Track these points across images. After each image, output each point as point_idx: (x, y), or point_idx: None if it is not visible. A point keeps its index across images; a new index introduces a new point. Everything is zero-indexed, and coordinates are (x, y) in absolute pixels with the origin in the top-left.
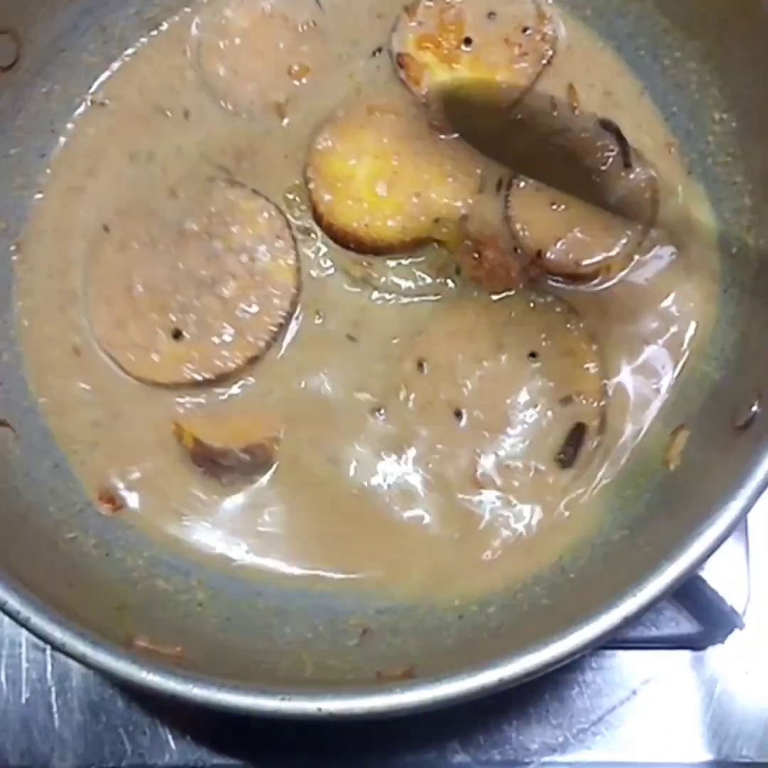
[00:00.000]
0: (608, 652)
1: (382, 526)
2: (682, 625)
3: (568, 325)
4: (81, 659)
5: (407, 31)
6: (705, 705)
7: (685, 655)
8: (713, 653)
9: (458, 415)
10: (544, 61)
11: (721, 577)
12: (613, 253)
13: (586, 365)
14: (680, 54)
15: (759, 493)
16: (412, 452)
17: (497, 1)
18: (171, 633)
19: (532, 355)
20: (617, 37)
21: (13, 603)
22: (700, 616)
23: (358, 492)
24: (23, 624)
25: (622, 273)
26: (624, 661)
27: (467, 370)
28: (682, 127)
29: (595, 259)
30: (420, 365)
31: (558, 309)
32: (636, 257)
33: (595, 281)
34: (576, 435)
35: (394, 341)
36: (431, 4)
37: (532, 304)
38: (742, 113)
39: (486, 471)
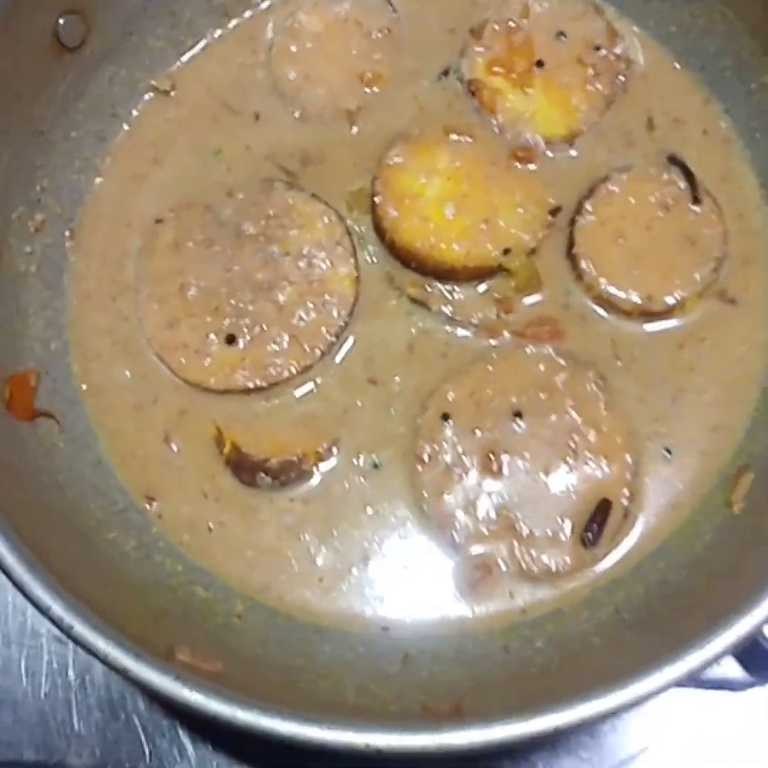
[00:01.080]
0: None
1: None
2: (724, 667)
3: (602, 401)
4: (123, 673)
5: (476, 56)
6: (741, 747)
7: (723, 695)
8: (752, 696)
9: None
10: (620, 80)
11: None
12: (687, 290)
13: (617, 438)
14: None
15: None
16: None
17: (565, 19)
18: (211, 646)
19: (560, 418)
20: (701, 57)
21: (57, 609)
22: (745, 660)
23: (386, 524)
24: (66, 632)
25: (696, 310)
26: (660, 698)
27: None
28: (763, 154)
29: (670, 295)
30: (445, 417)
31: (590, 374)
32: (707, 294)
33: (664, 319)
34: (601, 512)
35: (429, 382)
36: (498, 26)
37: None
38: None
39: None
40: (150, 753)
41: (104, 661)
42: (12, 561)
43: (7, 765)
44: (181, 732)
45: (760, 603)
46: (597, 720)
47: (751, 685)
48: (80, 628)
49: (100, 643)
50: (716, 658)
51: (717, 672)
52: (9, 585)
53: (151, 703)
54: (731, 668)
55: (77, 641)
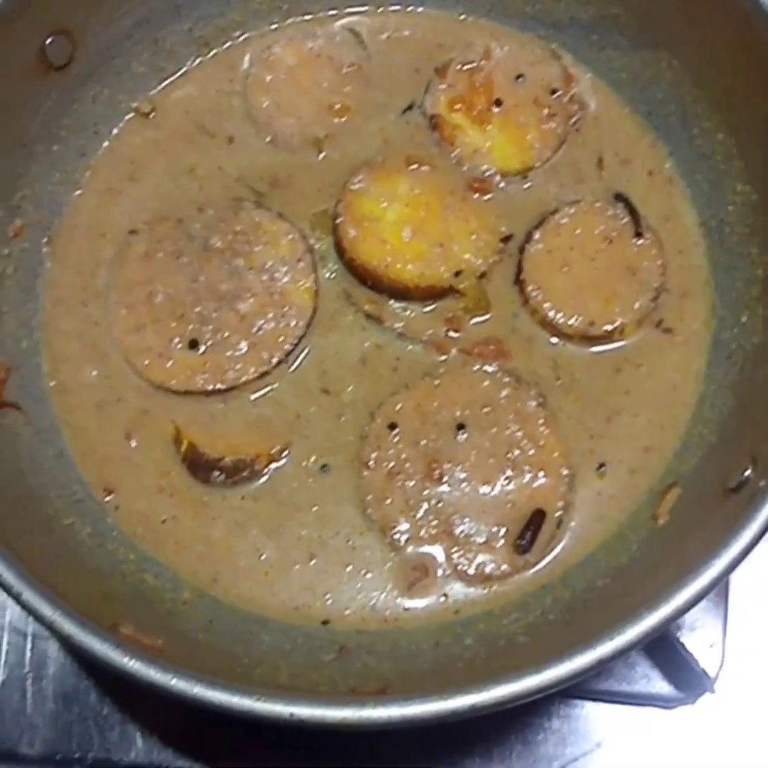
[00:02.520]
0: (577, 702)
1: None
2: (653, 682)
3: (541, 417)
4: (67, 639)
5: (439, 93)
6: (667, 764)
7: (654, 712)
8: (681, 714)
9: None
10: (573, 121)
11: (698, 640)
12: (627, 318)
13: (554, 453)
14: (709, 124)
15: (743, 555)
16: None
17: (524, 63)
18: (154, 626)
19: (501, 432)
20: (648, 103)
21: (8, 577)
22: (672, 675)
23: (331, 525)
24: (16, 598)
25: (634, 337)
26: (592, 712)
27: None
28: (703, 195)
29: (610, 322)
30: (392, 426)
31: (532, 392)
32: (646, 322)
33: (604, 344)
34: (535, 521)
35: (379, 394)
36: (461, 66)
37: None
38: (764, 187)
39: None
40: (99, 744)
41: (50, 627)
42: None
43: None
44: (130, 726)
45: (670, 600)
46: (513, 701)
47: (681, 702)
48: (28, 595)
49: (47, 610)
50: (624, 651)
51: (647, 688)
52: None
53: (103, 696)
54: (661, 685)
55: (26, 607)
